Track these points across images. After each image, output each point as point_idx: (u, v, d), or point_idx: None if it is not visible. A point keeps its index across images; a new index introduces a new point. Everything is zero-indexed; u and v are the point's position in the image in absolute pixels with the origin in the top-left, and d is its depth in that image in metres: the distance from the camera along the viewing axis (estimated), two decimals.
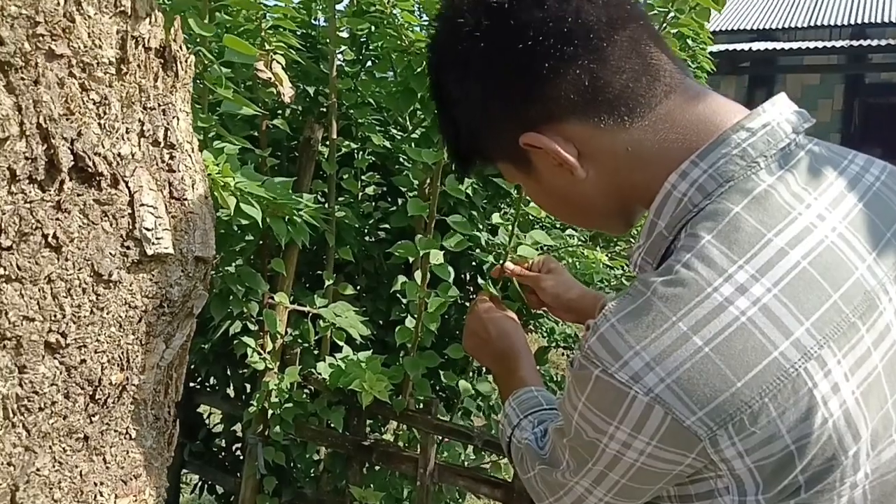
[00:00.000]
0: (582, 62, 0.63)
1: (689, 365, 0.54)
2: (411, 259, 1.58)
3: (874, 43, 9.63)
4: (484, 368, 1.76)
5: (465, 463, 1.91)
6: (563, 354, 3.92)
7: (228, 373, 1.92)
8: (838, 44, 9.96)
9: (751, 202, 0.59)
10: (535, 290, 1.13)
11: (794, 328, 0.55)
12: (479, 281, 1.65)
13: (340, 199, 1.68)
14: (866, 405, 0.56)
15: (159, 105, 0.86)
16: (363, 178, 1.72)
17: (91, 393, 0.77)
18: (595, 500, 0.66)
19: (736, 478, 0.57)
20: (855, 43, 9.85)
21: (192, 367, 1.87)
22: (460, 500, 2.03)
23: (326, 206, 1.60)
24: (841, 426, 0.55)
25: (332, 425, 1.61)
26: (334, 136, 1.59)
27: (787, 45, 10.15)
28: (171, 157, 0.87)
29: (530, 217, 1.65)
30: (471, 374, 1.76)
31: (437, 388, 1.67)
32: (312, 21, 1.67)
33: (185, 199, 0.87)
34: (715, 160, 0.61)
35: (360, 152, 1.73)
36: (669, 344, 0.55)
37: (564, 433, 0.66)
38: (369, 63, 1.70)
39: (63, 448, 0.75)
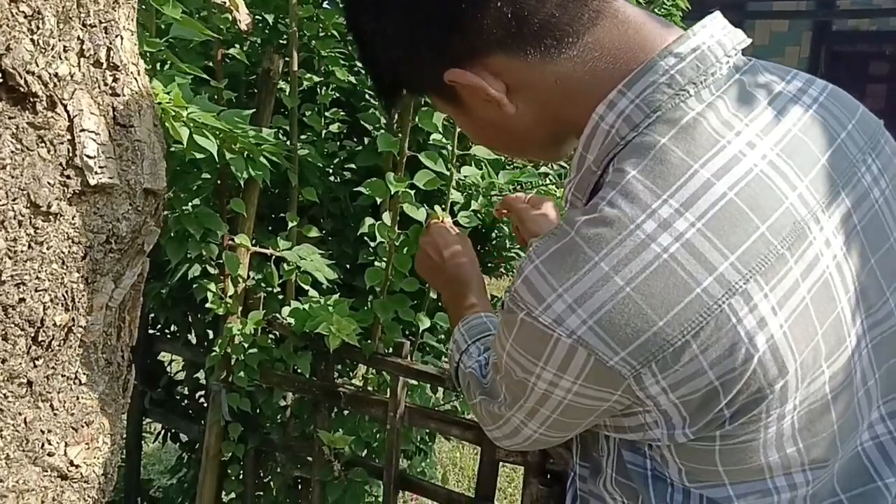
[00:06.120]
0: None
1: (610, 306, 0.54)
2: (379, 200, 1.52)
3: None
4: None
5: (436, 406, 1.89)
6: None
7: (189, 318, 1.86)
8: None
9: (678, 132, 0.57)
10: (518, 226, 1.11)
11: (718, 263, 0.53)
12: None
13: (303, 136, 1.60)
14: (794, 338, 0.55)
15: (100, 22, 0.78)
16: (327, 114, 1.64)
17: (33, 335, 0.71)
18: (530, 432, 0.68)
19: (663, 412, 0.58)
20: None
21: (151, 312, 1.81)
22: (430, 443, 2.03)
23: (288, 143, 1.52)
24: (767, 360, 0.54)
25: (299, 371, 1.57)
26: (295, 69, 1.50)
27: None
28: (115, 80, 0.79)
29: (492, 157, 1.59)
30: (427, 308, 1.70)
31: (406, 332, 1.63)
32: None
33: (132, 126, 0.79)
34: (642, 89, 0.59)
35: (324, 87, 1.64)
36: (591, 285, 0.54)
37: (498, 370, 0.67)
38: None
39: (3, 394, 0.69)
